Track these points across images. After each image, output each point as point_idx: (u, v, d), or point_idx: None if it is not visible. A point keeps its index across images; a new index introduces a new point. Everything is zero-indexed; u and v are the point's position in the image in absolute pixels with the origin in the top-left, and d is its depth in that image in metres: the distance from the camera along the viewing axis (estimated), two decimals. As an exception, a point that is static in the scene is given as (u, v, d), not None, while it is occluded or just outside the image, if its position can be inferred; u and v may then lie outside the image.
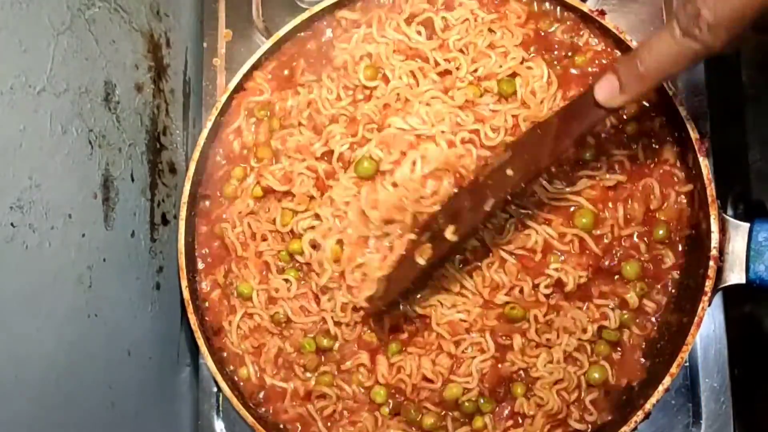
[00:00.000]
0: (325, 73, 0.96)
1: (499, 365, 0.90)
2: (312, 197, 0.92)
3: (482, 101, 0.92)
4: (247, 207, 0.96)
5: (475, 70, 0.93)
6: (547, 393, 0.89)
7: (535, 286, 0.90)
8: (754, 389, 0.96)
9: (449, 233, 0.82)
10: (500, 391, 0.90)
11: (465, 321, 0.91)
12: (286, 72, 0.99)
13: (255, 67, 0.99)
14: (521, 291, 0.90)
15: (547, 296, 0.90)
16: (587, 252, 0.90)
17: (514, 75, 0.93)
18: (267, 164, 0.96)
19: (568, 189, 0.90)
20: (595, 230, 0.90)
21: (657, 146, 0.92)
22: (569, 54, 0.95)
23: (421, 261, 0.84)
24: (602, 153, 0.92)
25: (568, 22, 0.96)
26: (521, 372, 0.90)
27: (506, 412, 0.90)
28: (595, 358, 0.90)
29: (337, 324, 0.92)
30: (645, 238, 0.91)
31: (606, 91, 0.70)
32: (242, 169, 0.97)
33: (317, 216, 0.91)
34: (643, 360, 0.90)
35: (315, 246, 0.91)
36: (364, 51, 0.95)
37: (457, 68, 0.93)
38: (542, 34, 0.95)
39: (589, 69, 0.94)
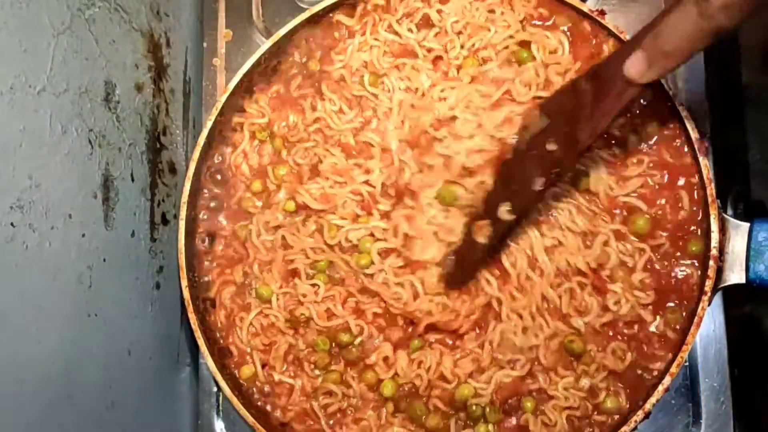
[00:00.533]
0: (324, 84, 0.97)
1: (521, 380, 0.90)
2: (357, 215, 0.93)
3: (486, 68, 0.93)
4: (276, 219, 0.96)
5: (472, 45, 0.93)
6: (557, 416, 0.88)
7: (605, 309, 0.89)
8: (754, 389, 0.96)
9: (503, 212, 0.83)
10: (510, 404, 0.90)
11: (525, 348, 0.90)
12: (282, 90, 1.00)
13: (251, 76, 0.99)
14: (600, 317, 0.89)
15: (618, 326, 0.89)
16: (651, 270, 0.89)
17: (526, 45, 0.93)
18: (294, 180, 0.96)
19: (623, 192, 0.90)
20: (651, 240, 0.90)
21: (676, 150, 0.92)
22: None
23: (482, 239, 0.85)
24: (635, 153, 0.92)
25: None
26: (539, 389, 0.90)
27: (511, 424, 0.90)
28: (614, 387, 0.89)
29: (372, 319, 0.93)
30: (678, 254, 0.90)
31: (636, 68, 0.71)
32: (261, 183, 0.98)
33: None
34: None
35: (380, 254, 0.92)
36: (360, 61, 0.96)
37: (453, 48, 0.93)
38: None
39: None
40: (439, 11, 0.95)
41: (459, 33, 0.95)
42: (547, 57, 0.92)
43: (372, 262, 0.92)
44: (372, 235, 0.92)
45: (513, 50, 0.93)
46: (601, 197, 0.90)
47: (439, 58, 0.94)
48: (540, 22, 0.95)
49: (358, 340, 0.92)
